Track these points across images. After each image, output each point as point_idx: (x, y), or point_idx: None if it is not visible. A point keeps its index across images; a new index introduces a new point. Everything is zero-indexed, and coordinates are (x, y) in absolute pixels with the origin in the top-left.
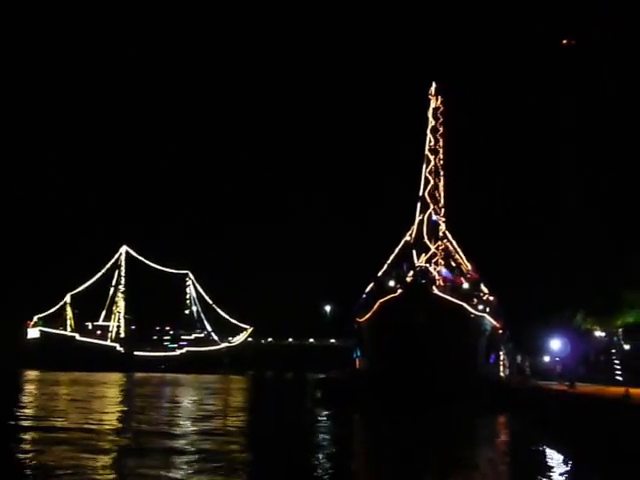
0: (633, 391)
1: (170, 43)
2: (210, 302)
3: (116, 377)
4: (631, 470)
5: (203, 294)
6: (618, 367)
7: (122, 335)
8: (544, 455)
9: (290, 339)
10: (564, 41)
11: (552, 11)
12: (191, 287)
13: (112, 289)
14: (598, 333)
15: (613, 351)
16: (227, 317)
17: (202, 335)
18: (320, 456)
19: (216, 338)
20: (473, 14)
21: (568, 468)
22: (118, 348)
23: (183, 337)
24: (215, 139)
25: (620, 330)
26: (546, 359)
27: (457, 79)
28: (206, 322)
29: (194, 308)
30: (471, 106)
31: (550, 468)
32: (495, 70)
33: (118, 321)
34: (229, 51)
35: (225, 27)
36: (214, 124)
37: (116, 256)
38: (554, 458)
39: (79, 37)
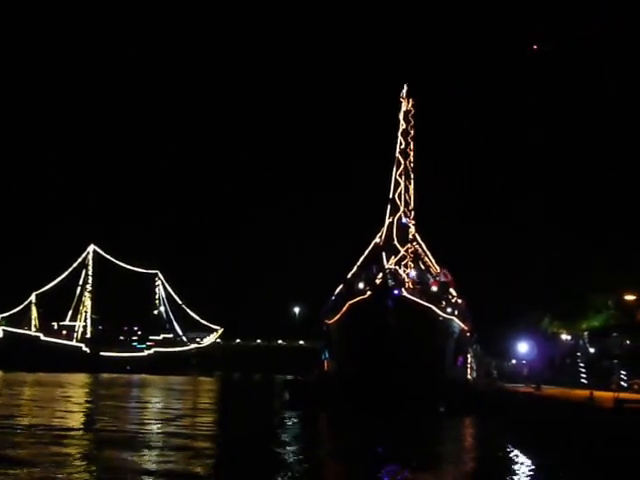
0: (597, 394)
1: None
2: (180, 302)
3: (82, 378)
4: (595, 470)
5: (173, 294)
6: (583, 370)
7: (88, 335)
8: (510, 456)
9: (258, 340)
10: (534, 47)
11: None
12: (160, 287)
13: (79, 288)
14: (564, 336)
15: (579, 354)
16: (197, 318)
17: (170, 336)
18: (285, 451)
19: (185, 339)
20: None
21: (533, 469)
22: (84, 348)
23: (151, 338)
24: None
25: (586, 334)
26: (513, 362)
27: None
28: (175, 323)
29: (162, 308)
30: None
31: (515, 469)
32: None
33: (85, 321)
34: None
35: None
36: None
37: (83, 255)
38: (520, 459)
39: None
